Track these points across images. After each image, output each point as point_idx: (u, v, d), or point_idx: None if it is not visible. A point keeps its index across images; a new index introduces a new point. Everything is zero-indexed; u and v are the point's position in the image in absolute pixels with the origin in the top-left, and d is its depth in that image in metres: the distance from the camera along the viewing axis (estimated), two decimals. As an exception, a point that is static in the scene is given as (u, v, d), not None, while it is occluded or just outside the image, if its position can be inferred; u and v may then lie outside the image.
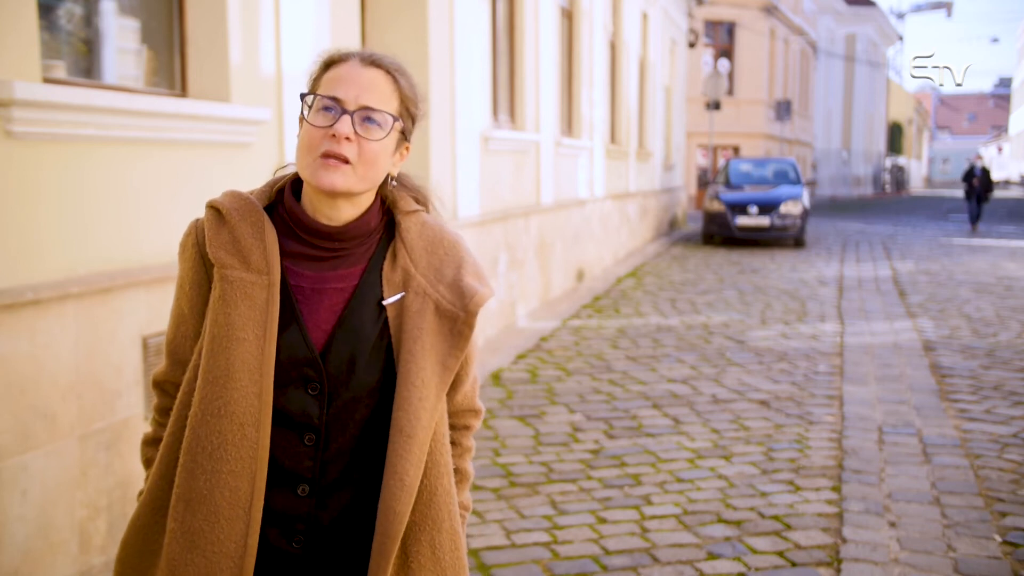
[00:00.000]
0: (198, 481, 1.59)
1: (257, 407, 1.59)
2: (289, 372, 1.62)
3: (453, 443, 1.78)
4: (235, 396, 1.58)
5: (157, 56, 4.53)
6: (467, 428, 1.83)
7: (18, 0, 3.31)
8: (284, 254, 1.65)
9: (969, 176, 23.51)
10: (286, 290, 1.63)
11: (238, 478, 1.59)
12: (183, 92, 4.50)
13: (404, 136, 1.69)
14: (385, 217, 1.73)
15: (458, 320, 1.67)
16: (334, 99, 1.60)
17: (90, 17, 4.18)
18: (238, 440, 1.58)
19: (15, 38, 3.30)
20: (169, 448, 1.65)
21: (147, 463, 1.75)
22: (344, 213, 1.65)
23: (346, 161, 1.59)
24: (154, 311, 3.97)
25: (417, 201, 1.76)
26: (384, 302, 1.66)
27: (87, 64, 4.15)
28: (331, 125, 1.59)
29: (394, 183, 1.73)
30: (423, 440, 1.64)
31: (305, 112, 1.63)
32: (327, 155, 1.59)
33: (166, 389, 1.72)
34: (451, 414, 1.78)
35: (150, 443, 1.75)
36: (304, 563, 1.66)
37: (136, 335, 3.88)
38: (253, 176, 4.72)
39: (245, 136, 4.62)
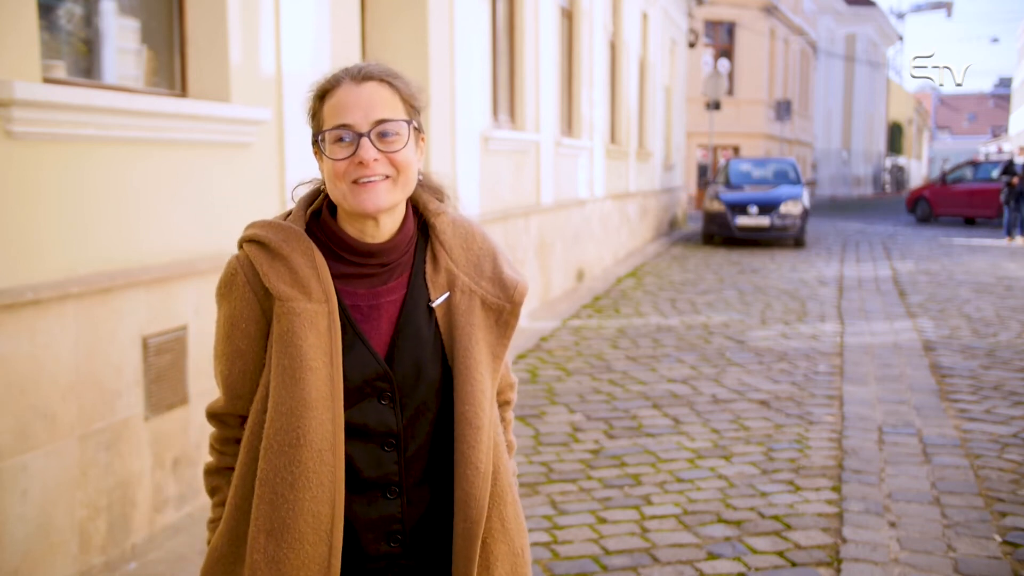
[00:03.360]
0: (280, 511, 1.62)
1: (332, 432, 1.63)
2: (363, 389, 1.66)
3: None
4: (312, 424, 1.61)
5: (157, 56, 4.53)
6: (507, 403, 1.91)
7: (18, 0, 3.31)
8: (335, 277, 1.67)
9: (1009, 171, 19.27)
10: (344, 313, 1.67)
11: (319, 504, 1.62)
12: (183, 92, 4.50)
13: (419, 130, 1.71)
14: (418, 221, 1.77)
15: (504, 312, 1.75)
16: (345, 126, 1.62)
17: (90, 17, 4.18)
18: (317, 467, 1.62)
19: (15, 38, 3.30)
20: (243, 479, 1.68)
21: (212, 491, 1.79)
22: (387, 227, 1.69)
23: (387, 177, 1.63)
24: (154, 311, 3.97)
25: (439, 199, 1.80)
26: (432, 304, 1.71)
27: (87, 64, 4.15)
28: (354, 153, 1.61)
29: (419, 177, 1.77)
30: (488, 428, 1.71)
31: (324, 147, 1.64)
32: (361, 182, 1.62)
33: (226, 420, 1.75)
34: None
35: (213, 473, 1.78)
36: (404, 559, 1.72)
37: (136, 335, 3.88)
38: (253, 176, 4.72)
39: (245, 136, 4.62)
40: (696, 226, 21.09)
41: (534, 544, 4.17)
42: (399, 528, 1.70)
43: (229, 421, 1.75)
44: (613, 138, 15.16)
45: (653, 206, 18.61)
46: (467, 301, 1.72)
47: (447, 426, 1.72)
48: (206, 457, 1.84)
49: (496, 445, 1.75)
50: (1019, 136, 61.10)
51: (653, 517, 4.48)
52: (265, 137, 4.78)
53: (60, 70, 3.88)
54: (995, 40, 72.60)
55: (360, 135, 1.61)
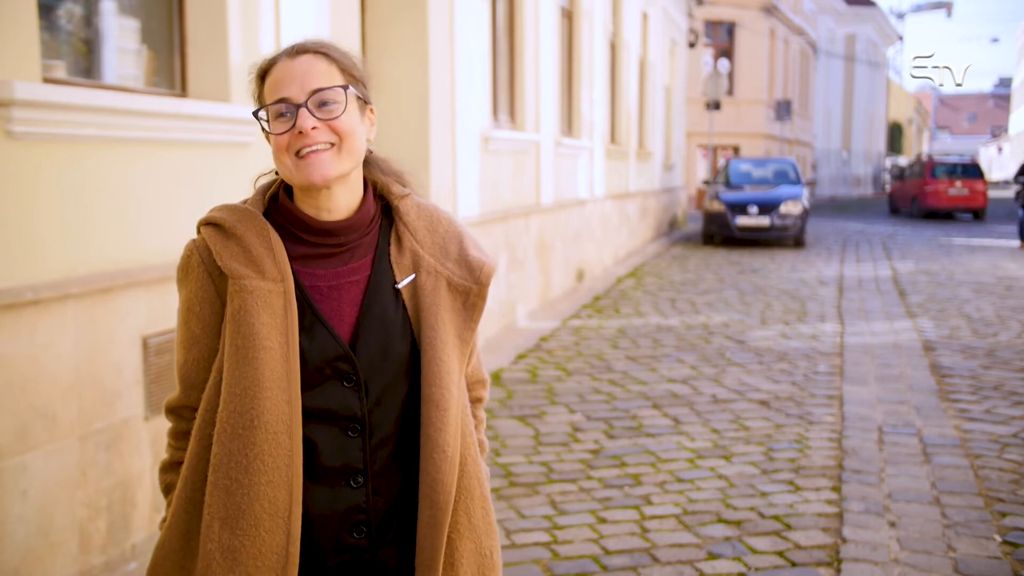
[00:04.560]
0: (235, 497, 1.58)
1: (288, 414, 1.59)
2: (323, 371, 1.63)
3: None
4: (267, 406, 1.58)
5: (157, 56, 4.53)
6: (479, 400, 1.88)
7: (18, 0, 3.31)
8: (293, 258, 1.66)
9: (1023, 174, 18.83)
10: (303, 293, 1.64)
11: (276, 489, 1.58)
12: (183, 92, 4.50)
13: (364, 101, 1.70)
14: (380, 204, 1.75)
15: (471, 293, 1.72)
16: (282, 100, 1.62)
17: (90, 17, 4.17)
18: (273, 449, 1.58)
19: (15, 38, 3.30)
20: (193, 470, 1.63)
21: (167, 489, 1.73)
22: (342, 202, 1.67)
23: (331, 146, 1.61)
24: (154, 311, 3.97)
25: (402, 184, 1.79)
26: (398, 285, 1.69)
27: (87, 64, 4.15)
28: (293, 124, 1.61)
29: (383, 169, 1.76)
30: (456, 412, 1.68)
31: (267, 124, 1.64)
32: (304, 153, 1.61)
33: (181, 414, 1.71)
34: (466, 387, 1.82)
35: (168, 469, 1.73)
36: (370, 552, 1.68)
37: (136, 335, 3.88)
38: (253, 176, 4.72)
39: (245, 136, 4.62)
40: (696, 226, 21.09)
41: (534, 544, 4.17)
42: (364, 519, 1.65)
43: (184, 414, 1.70)
44: (613, 138, 15.16)
45: (653, 206, 18.62)
46: (433, 282, 1.70)
47: (417, 411, 1.68)
48: None
49: (465, 435, 1.71)
50: (1019, 136, 61.14)
51: (653, 517, 4.48)
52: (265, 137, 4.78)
53: (60, 70, 3.88)
54: (995, 40, 72.65)
55: (298, 106, 1.60)
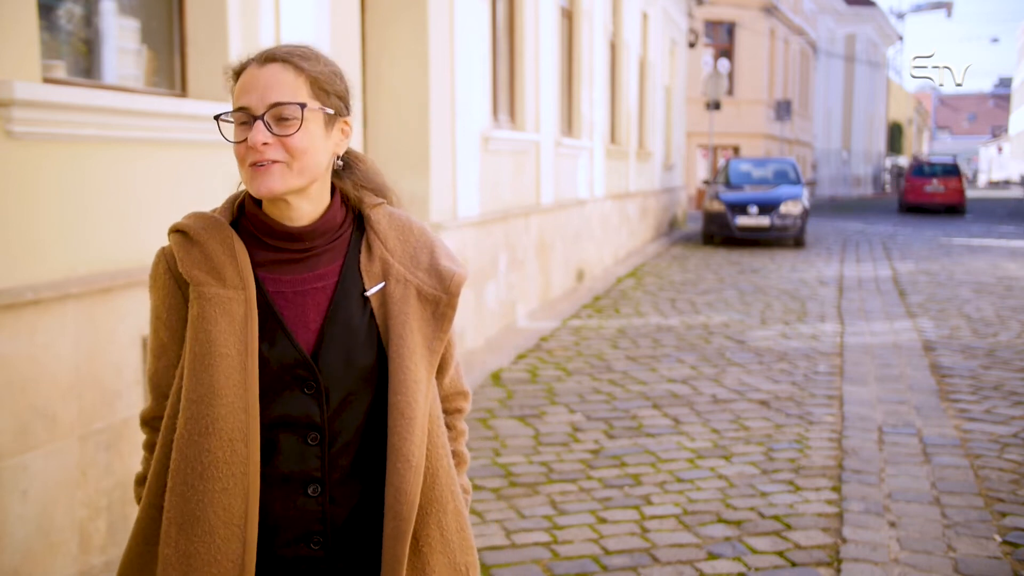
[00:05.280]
0: (190, 503, 1.57)
1: (245, 422, 1.58)
2: (283, 377, 1.61)
3: (447, 427, 1.80)
4: (222, 413, 1.57)
5: (157, 56, 4.53)
6: (459, 411, 1.85)
7: (18, 0, 3.31)
8: (257, 265, 1.64)
9: None
10: (266, 300, 1.63)
11: (231, 496, 1.57)
12: (183, 92, 4.50)
13: (336, 114, 1.65)
14: (351, 213, 1.73)
15: (440, 303, 1.70)
16: (242, 109, 1.60)
17: (90, 17, 4.17)
18: (228, 457, 1.57)
19: (15, 38, 3.30)
20: (156, 475, 1.63)
21: (138, 501, 1.71)
22: (302, 211, 1.65)
23: (275, 162, 1.58)
24: (154, 311, 3.96)
25: (379, 194, 1.77)
26: (366, 293, 1.67)
27: (87, 64, 4.15)
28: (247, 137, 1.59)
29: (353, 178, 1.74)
30: (423, 422, 1.65)
31: (230, 130, 1.62)
32: (255, 165, 1.59)
33: (154, 426, 1.69)
34: (442, 399, 1.79)
35: (141, 482, 1.72)
36: (325, 563, 1.66)
37: (136, 335, 3.88)
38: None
39: (245, 136, 4.61)
40: (696, 226, 21.09)
41: (534, 544, 4.17)
42: (320, 528, 1.63)
43: (156, 426, 1.68)
44: (613, 138, 15.15)
45: (653, 206, 18.61)
46: (402, 290, 1.68)
47: (381, 421, 1.66)
48: None
49: (435, 446, 1.69)
50: (1019, 136, 61.06)
51: (653, 517, 4.48)
52: (265, 137, 4.78)
53: (60, 70, 3.88)
54: (995, 40, 72.66)
55: (255, 118, 1.58)
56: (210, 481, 1.57)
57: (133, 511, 3.86)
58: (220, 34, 4.50)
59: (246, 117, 1.59)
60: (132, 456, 3.86)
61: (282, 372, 1.61)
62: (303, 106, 1.59)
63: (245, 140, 1.59)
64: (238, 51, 4.59)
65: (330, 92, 1.64)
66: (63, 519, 3.51)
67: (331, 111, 1.64)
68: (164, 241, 1.73)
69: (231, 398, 1.57)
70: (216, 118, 1.64)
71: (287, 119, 1.58)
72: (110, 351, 3.74)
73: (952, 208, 28.28)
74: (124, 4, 4.43)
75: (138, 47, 4.50)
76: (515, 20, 9.83)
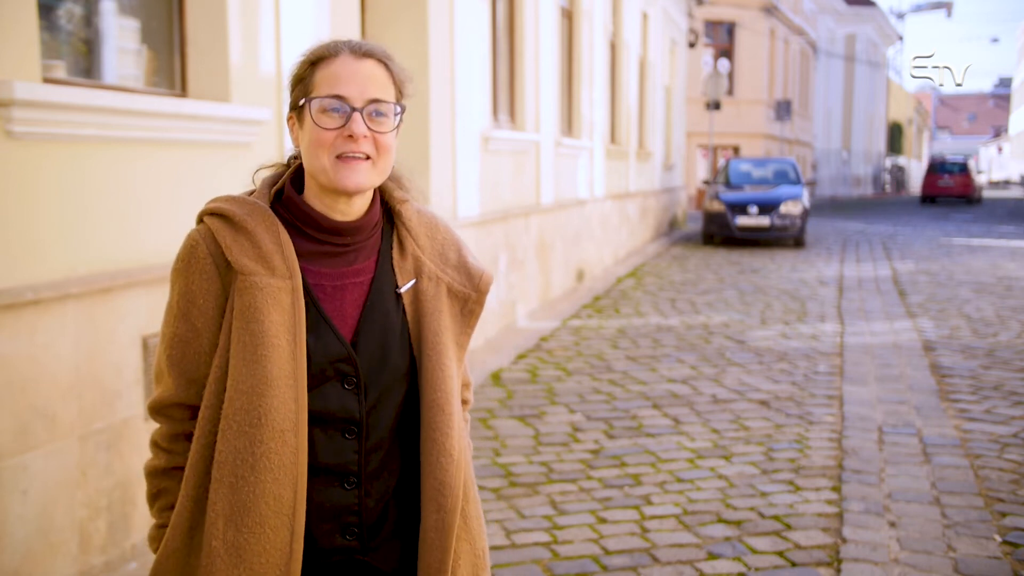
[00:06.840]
0: (240, 494, 1.57)
1: (295, 411, 1.58)
2: (325, 371, 1.62)
3: None
4: (274, 404, 1.57)
5: (157, 56, 4.53)
6: (465, 402, 1.87)
7: (18, 0, 3.31)
8: (299, 255, 1.64)
9: None
10: (308, 291, 1.63)
11: (281, 486, 1.58)
12: (183, 92, 4.50)
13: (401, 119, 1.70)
14: (382, 207, 1.75)
15: (469, 300, 1.73)
16: (339, 97, 1.59)
17: (90, 17, 4.18)
18: (279, 448, 1.57)
19: (15, 38, 3.30)
20: (196, 468, 1.61)
21: (156, 495, 1.70)
22: (357, 207, 1.66)
23: (367, 158, 1.60)
24: (154, 311, 3.96)
25: (402, 188, 1.78)
26: (399, 290, 1.69)
27: (87, 64, 4.15)
28: (343, 125, 1.59)
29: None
30: (458, 416, 1.69)
31: (311, 114, 1.60)
32: (345, 157, 1.59)
33: (172, 414, 1.67)
34: None
35: (160, 474, 1.69)
36: (360, 554, 1.68)
37: (136, 335, 3.88)
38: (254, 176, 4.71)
39: (245, 136, 4.62)
40: (696, 226, 21.09)
41: (534, 544, 4.17)
42: (355, 520, 1.65)
43: (176, 414, 1.66)
44: (613, 138, 15.16)
45: (653, 206, 18.62)
46: (434, 288, 1.70)
47: (411, 418, 1.68)
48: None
49: (462, 438, 1.72)
50: (1019, 136, 61.02)
51: (653, 517, 4.48)
52: (265, 137, 4.78)
53: (60, 70, 3.88)
54: (995, 40, 72.64)
55: (354, 109, 1.59)
56: (262, 472, 1.57)
57: (133, 511, 3.86)
58: (220, 34, 4.51)
59: (339, 105, 1.59)
60: (132, 456, 3.86)
61: (326, 366, 1.62)
62: (402, 107, 1.64)
63: (338, 128, 1.59)
64: (238, 51, 4.59)
65: (404, 95, 1.68)
66: (63, 519, 3.51)
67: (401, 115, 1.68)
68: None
69: (282, 389, 1.57)
70: (307, 101, 1.62)
71: (384, 116, 1.61)
72: (110, 351, 3.74)
73: (963, 197, 36.12)
74: (124, 4, 4.43)
75: (138, 47, 4.50)
76: (515, 20, 9.84)
